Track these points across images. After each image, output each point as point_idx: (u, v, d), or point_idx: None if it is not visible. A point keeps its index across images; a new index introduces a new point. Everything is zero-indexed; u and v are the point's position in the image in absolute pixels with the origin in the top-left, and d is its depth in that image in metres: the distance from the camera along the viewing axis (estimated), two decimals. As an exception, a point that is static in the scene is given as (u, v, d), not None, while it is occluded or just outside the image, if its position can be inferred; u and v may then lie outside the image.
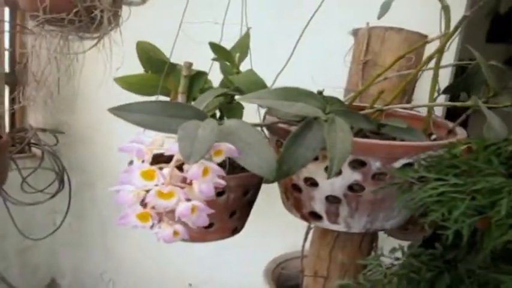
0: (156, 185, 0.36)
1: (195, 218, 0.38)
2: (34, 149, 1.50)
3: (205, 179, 0.38)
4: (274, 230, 1.25)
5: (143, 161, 0.38)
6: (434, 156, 0.50)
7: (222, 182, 0.39)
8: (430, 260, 0.45)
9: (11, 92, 1.44)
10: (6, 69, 1.41)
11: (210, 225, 0.73)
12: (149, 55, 0.75)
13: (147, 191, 0.37)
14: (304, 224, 0.90)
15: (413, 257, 0.45)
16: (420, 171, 0.42)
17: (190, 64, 0.73)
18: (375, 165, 0.56)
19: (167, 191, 0.36)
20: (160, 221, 0.38)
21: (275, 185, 0.77)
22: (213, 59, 0.73)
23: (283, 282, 0.98)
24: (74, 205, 1.54)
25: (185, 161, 0.35)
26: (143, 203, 0.37)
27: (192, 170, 0.36)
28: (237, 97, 0.51)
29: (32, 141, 1.43)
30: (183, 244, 1.32)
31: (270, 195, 0.83)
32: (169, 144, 0.38)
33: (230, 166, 0.76)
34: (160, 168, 0.38)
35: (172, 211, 0.39)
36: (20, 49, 1.36)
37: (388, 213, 0.61)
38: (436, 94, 0.69)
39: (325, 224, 0.62)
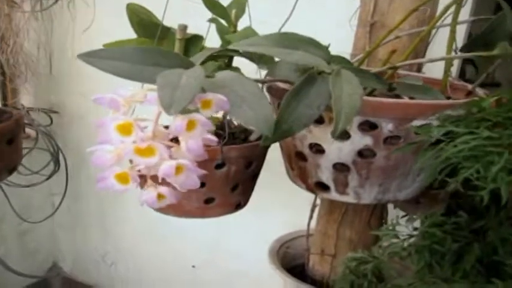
0: (134, 141, 0.31)
1: (183, 179, 0.33)
2: (28, 130, 1.45)
3: (192, 133, 0.32)
4: (278, 208, 1.20)
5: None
6: (456, 115, 0.44)
7: (213, 138, 0.34)
8: (454, 230, 0.39)
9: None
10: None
11: (211, 200, 0.69)
12: (140, 18, 0.69)
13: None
14: (310, 201, 0.85)
15: (435, 226, 0.40)
16: (446, 126, 0.36)
17: (185, 26, 0.67)
18: (387, 127, 0.50)
19: (146, 146, 0.30)
20: (143, 182, 0.33)
21: (279, 160, 0.72)
22: (209, 20, 0.68)
23: (288, 262, 0.94)
24: (71, 186, 1.50)
25: (165, 111, 0.29)
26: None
27: (175, 122, 0.31)
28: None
29: (26, 121, 1.38)
30: (184, 224, 1.28)
31: (273, 171, 0.78)
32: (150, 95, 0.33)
33: (231, 137, 0.71)
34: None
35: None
36: (8, 25, 1.29)
37: (402, 182, 0.55)
38: (453, 54, 0.63)
39: (333, 195, 0.57)
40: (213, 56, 0.59)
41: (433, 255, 0.38)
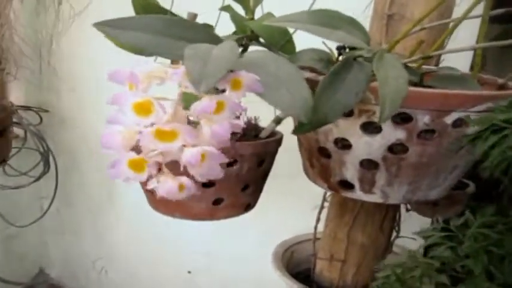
0: (154, 123, 0.26)
1: (206, 169, 0.28)
2: (16, 129, 1.38)
3: (219, 116, 0.27)
4: (279, 211, 1.15)
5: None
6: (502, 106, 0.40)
7: (240, 123, 0.29)
8: (507, 230, 0.35)
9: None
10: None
11: (220, 201, 0.64)
12: (146, 3, 0.65)
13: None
14: (314, 204, 0.80)
15: (487, 227, 0.35)
16: (509, 112, 0.32)
17: (195, 15, 0.62)
18: (423, 120, 0.45)
19: (169, 128, 0.26)
20: (159, 171, 0.28)
21: (285, 160, 0.67)
22: (221, 9, 0.63)
23: (293, 268, 0.89)
24: (61, 189, 1.44)
25: (194, 86, 0.24)
26: (137, 149, 0.27)
27: (203, 103, 0.26)
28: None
29: (14, 120, 1.32)
30: (180, 228, 1.22)
31: (276, 170, 0.73)
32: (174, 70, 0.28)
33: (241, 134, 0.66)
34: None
35: (174, 161, 0.29)
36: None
37: (434, 180, 0.51)
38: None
39: (358, 194, 0.52)
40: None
41: (491, 259, 0.34)
